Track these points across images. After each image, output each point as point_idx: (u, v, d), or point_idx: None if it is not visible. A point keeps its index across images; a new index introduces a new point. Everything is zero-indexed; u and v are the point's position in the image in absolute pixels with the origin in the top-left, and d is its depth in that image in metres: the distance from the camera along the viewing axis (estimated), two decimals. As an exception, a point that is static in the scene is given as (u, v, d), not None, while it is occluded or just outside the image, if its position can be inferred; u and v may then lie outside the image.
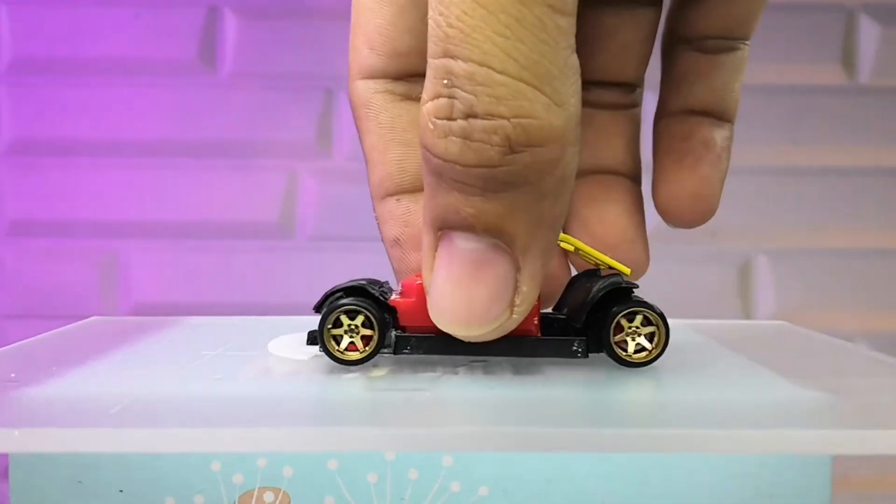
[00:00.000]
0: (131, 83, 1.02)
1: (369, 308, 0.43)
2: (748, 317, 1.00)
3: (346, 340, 0.43)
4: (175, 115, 1.02)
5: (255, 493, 0.37)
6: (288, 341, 0.50)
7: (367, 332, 0.43)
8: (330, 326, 0.43)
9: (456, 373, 0.43)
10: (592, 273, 0.47)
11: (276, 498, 0.37)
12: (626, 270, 0.46)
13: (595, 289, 0.44)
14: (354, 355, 0.43)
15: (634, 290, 0.45)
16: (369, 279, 0.47)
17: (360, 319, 0.43)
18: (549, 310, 0.48)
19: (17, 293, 1.02)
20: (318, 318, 0.45)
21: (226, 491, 0.37)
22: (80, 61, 1.02)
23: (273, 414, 0.35)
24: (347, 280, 0.47)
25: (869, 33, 1.00)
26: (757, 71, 1.00)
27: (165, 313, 1.01)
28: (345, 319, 0.43)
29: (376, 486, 0.37)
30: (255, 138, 1.02)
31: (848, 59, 1.00)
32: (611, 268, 0.47)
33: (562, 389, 0.40)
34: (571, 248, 0.47)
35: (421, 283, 0.44)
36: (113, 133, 1.02)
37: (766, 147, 1.00)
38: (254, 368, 0.43)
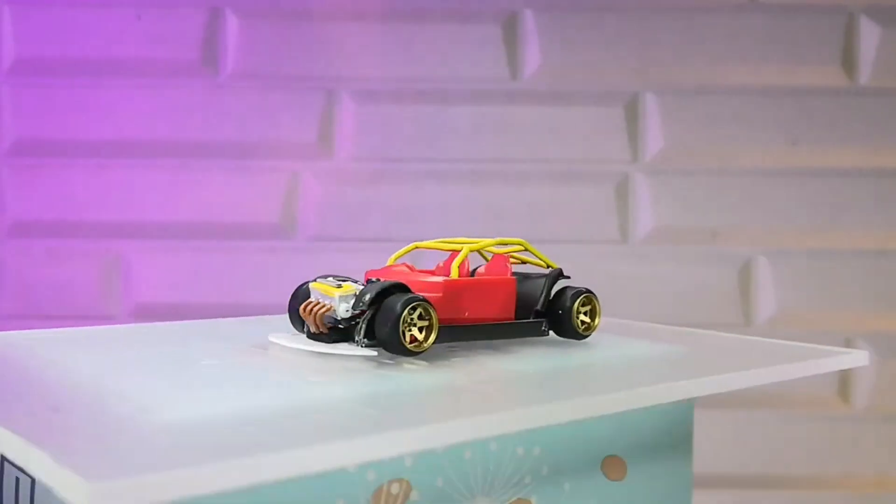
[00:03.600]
0: (134, 84, 1.02)
1: (425, 302, 0.46)
2: (748, 317, 1.00)
3: (410, 332, 0.46)
4: (177, 116, 1.02)
5: (385, 486, 0.38)
6: (286, 336, 0.50)
7: (424, 325, 0.46)
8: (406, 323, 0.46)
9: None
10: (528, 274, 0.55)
11: (401, 488, 0.38)
12: (555, 266, 0.55)
13: (545, 282, 0.53)
14: (413, 346, 0.46)
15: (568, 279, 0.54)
16: (341, 276, 0.50)
17: (417, 314, 0.46)
18: None
19: (19, 293, 1.02)
20: None
21: (362, 491, 0.38)
22: (83, 62, 1.02)
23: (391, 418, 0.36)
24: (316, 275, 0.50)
25: (869, 35, 1.00)
26: (757, 73, 1.00)
27: (168, 313, 1.01)
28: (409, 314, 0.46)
29: (470, 461, 0.42)
30: (256, 139, 1.02)
31: (848, 61, 1.00)
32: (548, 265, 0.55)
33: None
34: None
35: (449, 281, 0.49)
36: (115, 134, 1.02)
37: (766, 148, 1.00)
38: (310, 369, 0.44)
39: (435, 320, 0.45)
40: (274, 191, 1.02)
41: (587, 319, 0.53)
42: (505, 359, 0.47)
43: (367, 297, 0.44)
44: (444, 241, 0.53)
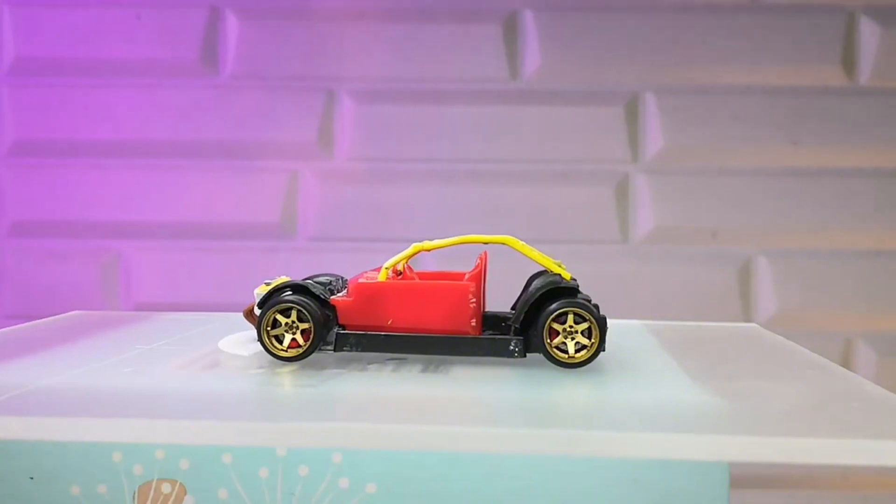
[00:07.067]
0: (133, 84, 1.02)
1: (305, 305, 0.43)
2: (748, 317, 1.00)
3: (287, 337, 0.44)
4: (177, 116, 1.02)
5: (154, 483, 0.37)
6: (241, 338, 0.51)
7: (305, 328, 0.44)
8: (269, 325, 0.44)
9: (364, 369, 0.43)
10: (545, 272, 0.47)
11: (173, 489, 0.38)
12: (567, 276, 0.45)
13: (532, 288, 0.45)
14: (291, 352, 0.44)
15: (576, 289, 0.44)
16: (331, 276, 0.48)
17: (295, 316, 0.44)
18: (511, 308, 0.48)
19: (19, 293, 1.02)
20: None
21: (126, 481, 0.38)
22: (82, 62, 1.02)
23: (165, 407, 0.36)
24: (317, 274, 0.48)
25: (869, 34, 1.00)
26: (757, 72, 1.00)
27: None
28: (282, 318, 0.44)
29: (268, 480, 0.38)
30: (256, 139, 1.02)
31: (848, 61, 1.00)
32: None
33: (456, 388, 0.40)
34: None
35: (362, 283, 0.44)
36: (115, 134, 1.02)
37: (766, 148, 1.00)
38: (173, 363, 0.44)
39: (315, 324, 0.43)
40: (274, 191, 1.02)
41: (584, 341, 0.42)
42: (434, 379, 0.41)
43: (259, 297, 0.45)
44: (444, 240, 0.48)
